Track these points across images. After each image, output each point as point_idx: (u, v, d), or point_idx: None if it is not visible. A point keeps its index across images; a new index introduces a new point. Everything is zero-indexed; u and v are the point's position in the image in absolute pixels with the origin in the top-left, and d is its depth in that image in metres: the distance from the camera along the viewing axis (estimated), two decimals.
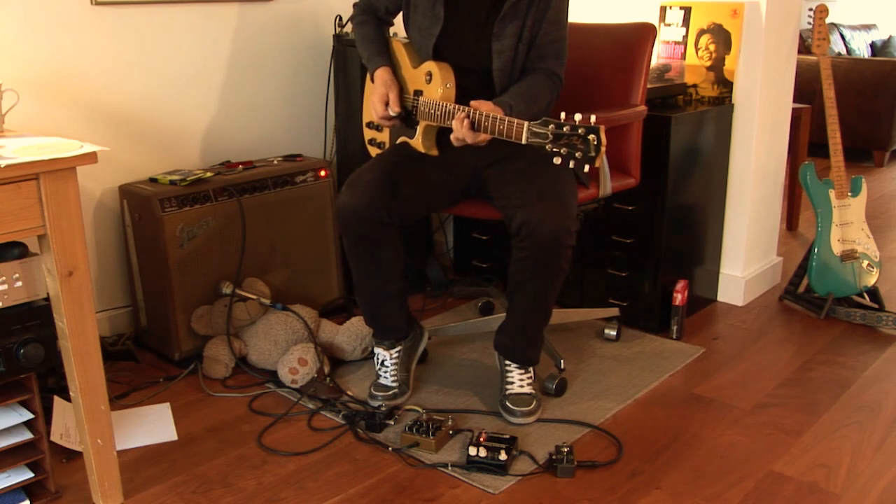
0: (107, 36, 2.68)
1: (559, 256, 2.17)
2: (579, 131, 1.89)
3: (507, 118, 2.02)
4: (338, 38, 3.10)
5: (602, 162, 2.49)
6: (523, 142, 1.97)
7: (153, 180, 2.72)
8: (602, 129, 1.88)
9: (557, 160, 1.91)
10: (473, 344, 2.84)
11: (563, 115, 1.93)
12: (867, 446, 2.25)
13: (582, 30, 2.77)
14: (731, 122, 3.12)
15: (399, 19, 2.49)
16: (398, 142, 2.43)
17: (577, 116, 1.90)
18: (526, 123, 1.97)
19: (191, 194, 2.64)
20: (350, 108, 3.09)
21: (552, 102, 2.36)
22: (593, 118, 1.89)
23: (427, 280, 3.33)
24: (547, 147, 1.92)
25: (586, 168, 1.89)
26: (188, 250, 2.64)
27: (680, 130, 2.85)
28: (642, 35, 2.65)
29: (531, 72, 2.32)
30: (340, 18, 3.09)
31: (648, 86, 2.72)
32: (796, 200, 4.22)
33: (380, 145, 2.55)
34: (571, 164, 1.90)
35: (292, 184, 2.89)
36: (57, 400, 2.25)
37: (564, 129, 1.90)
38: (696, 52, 3.12)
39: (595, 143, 1.87)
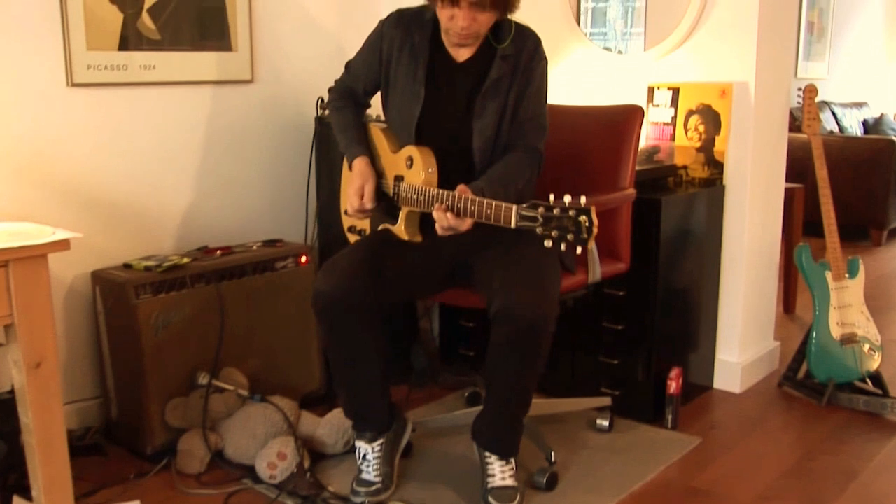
0: (83, 117, 2.71)
1: (538, 342, 2.17)
2: (570, 213, 1.90)
3: (493, 202, 2.03)
4: (320, 120, 3.15)
5: (591, 248, 2.50)
6: (512, 226, 1.98)
7: (127, 266, 2.72)
8: (593, 209, 1.89)
9: (548, 243, 1.92)
10: (460, 437, 2.81)
11: (551, 196, 1.94)
12: None
13: (568, 112, 2.82)
14: (723, 204, 3.15)
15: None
16: (380, 228, 2.45)
17: (567, 198, 1.92)
18: (514, 207, 1.97)
19: (166, 281, 2.63)
20: (332, 191, 3.11)
21: (533, 178, 2.39)
22: (583, 199, 1.91)
23: (411, 369, 3.31)
24: (537, 230, 1.93)
25: (578, 250, 1.91)
26: (163, 339, 2.62)
27: (670, 213, 2.88)
28: (630, 116, 2.70)
29: (510, 149, 2.35)
30: (322, 100, 3.15)
31: (637, 168, 2.75)
32: (792, 282, 4.25)
33: (360, 233, 2.56)
34: (563, 247, 1.91)
35: (272, 270, 2.90)
36: (17, 500, 2.20)
37: (554, 211, 1.91)
38: (686, 133, 3.18)
39: (587, 224, 1.89)
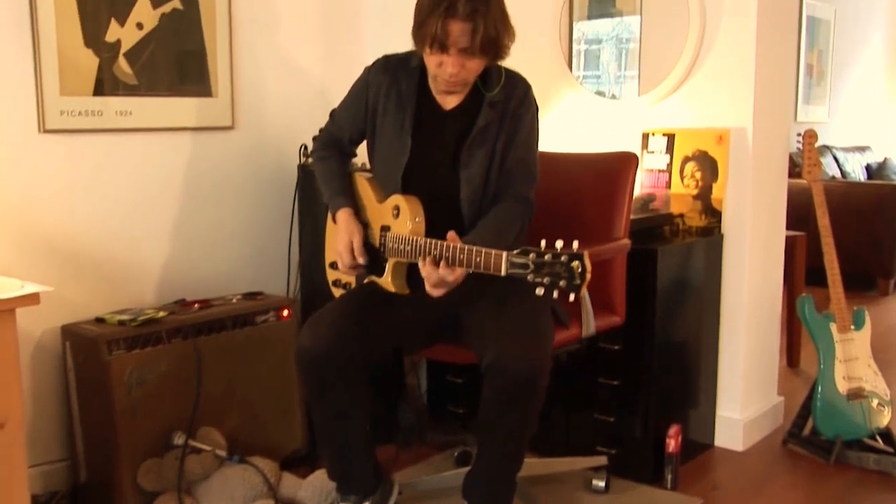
0: (55, 165, 2.74)
1: (532, 395, 2.17)
2: (562, 259, 1.92)
3: (483, 249, 2.05)
4: (303, 168, 3.17)
5: (584, 300, 2.53)
6: (503, 273, 2.00)
7: (100, 320, 2.72)
8: (586, 254, 1.91)
9: (540, 290, 1.94)
10: (450, 499, 2.80)
11: (543, 242, 1.96)
12: None
13: (560, 160, 2.85)
14: (722, 253, 3.19)
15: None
16: (366, 281, 2.46)
17: (559, 243, 1.94)
18: (504, 254, 2.00)
19: (141, 336, 2.64)
20: (316, 242, 3.13)
21: (524, 228, 2.42)
22: (576, 244, 1.93)
23: (398, 427, 3.30)
24: (528, 277, 1.95)
25: (571, 297, 1.92)
26: (137, 397, 2.62)
27: (667, 263, 2.91)
28: (624, 164, 2.73)
29: (499, 199, 2.38)
30: (306, 148, 3.17)
31: (632, 217, 2.78)
32: (796, 334, 4.26)
33: (345, 286, 2.56)
34: (555, 294, 1.92)
35: (252, 324, 2.90)
36: None
37: (546, 257, 1.93)
38: (682, 181, 3.22)
39: (579, 269, 1.90)
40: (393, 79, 2.41)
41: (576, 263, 1.91)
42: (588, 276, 1.91)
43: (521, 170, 2.40)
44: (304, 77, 3.40)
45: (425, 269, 2.15)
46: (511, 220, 2.35)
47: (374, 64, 2.48)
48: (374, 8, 3.56)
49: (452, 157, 2.37)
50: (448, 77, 2.26)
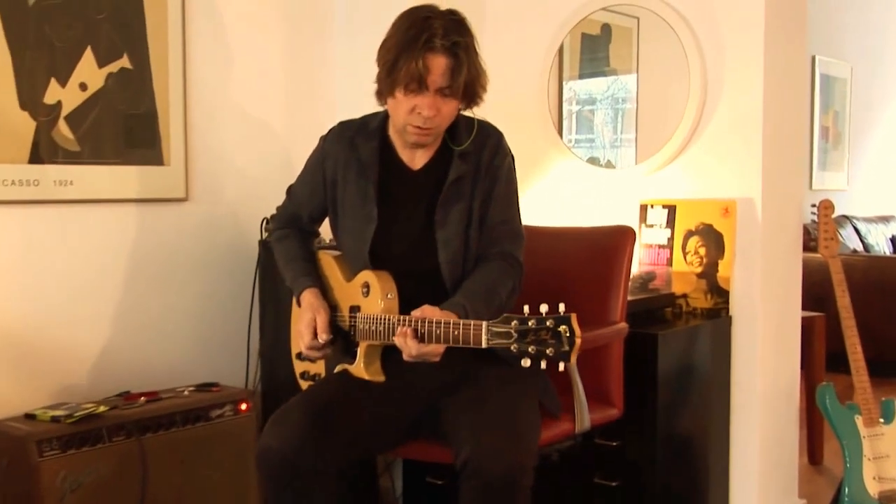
0: None
1: (512, 498, 2.12)
2: (548, 324, 1.92)
3: (461, 322, 2.05)
4: (264, 244, 3.15)
5: (577, 390, 2.49)
6: (483, 345, 2.00)
7: (30, 416, 2.66)
8: (574, 317, 1.91)
9: (526, 362, 1.93)
10: None
11: (526, 308, 1.97)
12: None
13: (548, 234, 2.84)
14: (731, 338, 3.16)
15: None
16: (336, 370, 2.42)
17: (544, 307, 1.94)
18: (484, 324, 2.00)
19: (78, 434, 2.58)
20: (278, 326, 3.09)
21: (516, 289, 2.40)
22: (562, 307, 1.93)
23: None
24: (512, 348, 1.95)
25: (561, 366, 1.92)
26: None
27: (669, 349, 2.89)
28: (620, 239, 2.72)
29: (484, 260, 2.38)
30: (267, 222, 3.15)
31: (629, 298, 2.76)
32: (817, 428, 4.20)
33: (314, 378, 2.54)
34: (543, 364, 1.92)
35: (206, 419, 2.86)
36: None
37: (530, 323, 1.93)
38: (685, 257, 3.21)
39: (567, 334, 1.91)
40: (351, 146, 2.42)
41: (563, 328, 1.92)
42: (578, 340, 1.91)
43: (505, 229, 2.40)
44: (268, 142, 3.41)
45: (399, 340, 2.14)
46: (501, 278, 2.35)
47: (329, 132, 2.50)
48: (342, 62, 3.57)
49: (425, 218, 2.36)
50: (423, 123, 2.25)
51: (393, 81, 2.23)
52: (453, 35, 2.19)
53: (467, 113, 2.39)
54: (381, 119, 2.39)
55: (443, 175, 2.37)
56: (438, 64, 2.19)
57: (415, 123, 2.28)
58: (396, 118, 2.32)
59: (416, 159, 2.40)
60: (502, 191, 2.39)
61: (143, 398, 2.85)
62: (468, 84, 2.24)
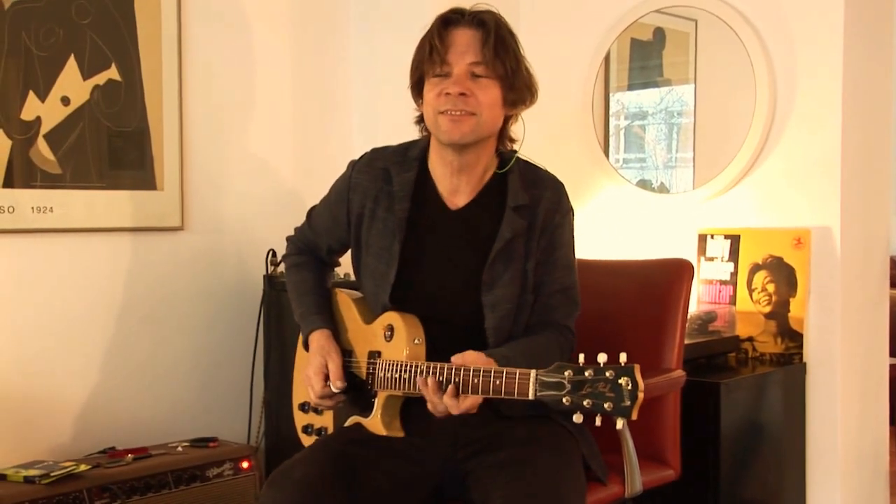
0: None
1: None
2: (607, 374, 1.90)
3: (504, 369, 2.03)
4: (270, 280, 3.16)
5: (628, 448, 2.46)
6: (530, 396, 1.98)
7: (2, 477, 2.66)
8: (637, 368, 1.89)
9: (578, 417, 1.92)
10: None
11: (581, 357, 1.95)
12: None
13: (593, 268, 2.82)
14: (805, 388, 3.14)
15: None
16: (347, 423, 2.41)
17: (602, 357, 1.92)
18: (533, 373, 1.98)
19: (54, 497, 2.58)
20: (285, 373, 3.08)
21: (563, 360, 2.36)
22: (623, 356, 1.91)
23: None
24: (564, 400, 1.93)
25: (619, 423, 1.90)
26: None
27: (733, 401, 2.87)
28: (676, 274, 2.70)
29: (534, 329, 2.36)
30: (274, 254, 3.16)
31: (687, 341, 2.75)
32: None
33: (319, 432, 2.52)
34: (598, 421, 1.90)
35: (203, 479, 2.87)
36: None
37: (587, 373, 1.92)
38: (750, 295, 3.20)
39: (629, 387, 1.88)
40: (384, 179, 2.39)
41: (625, 380, 1.89)
42: (641, 395, 1.88)
43: (562, 297, 2.39)
44: (275, 164, 3.42)
45: (427, 392, 2.12)
46: (550, 350, 2.31)
47: (360, 159, 2.47)
48: (358, 69, 3.58)
49: (467, 274, 2.33)
50: (453, 105, 2.23)
51: (419, 66, 2.28)
52: (481, 10, 2.24)
53: (525, 157, 2.38)
54: (422, 148, 2.37)
55: (487, 223, 2.35)
56: (463, 35, 2.23)
57: (444, 108, 2.27)
58: (428, 114, 2.31)
59: (458, 197, 2.38)
60: (563, 256, 2.38)
61: (129, 455, 2.85)
62: (506, 66, 2.24)
